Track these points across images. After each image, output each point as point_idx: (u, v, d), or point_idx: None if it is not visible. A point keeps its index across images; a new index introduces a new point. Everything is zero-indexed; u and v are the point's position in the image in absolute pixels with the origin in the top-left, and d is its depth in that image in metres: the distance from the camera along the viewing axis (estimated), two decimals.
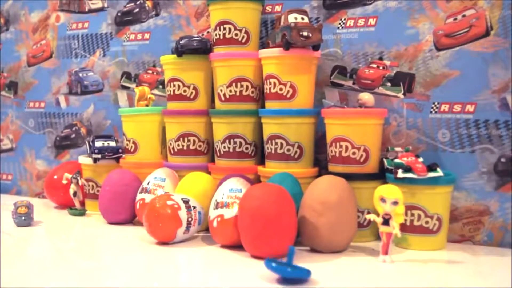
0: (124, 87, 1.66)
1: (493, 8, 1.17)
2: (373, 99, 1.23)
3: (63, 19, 1.77)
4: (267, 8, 1.43)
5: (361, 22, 1.31)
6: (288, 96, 1.26)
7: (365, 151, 1.19)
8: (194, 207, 1.17)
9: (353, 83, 1.32)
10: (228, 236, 1.11)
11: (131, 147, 1.47)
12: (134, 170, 1.42)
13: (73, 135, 1.75)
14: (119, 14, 1.66)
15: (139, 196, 1.31)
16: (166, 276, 0.97)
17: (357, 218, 1.16)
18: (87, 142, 1.53)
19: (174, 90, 1.40)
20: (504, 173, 1.17)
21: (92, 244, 1.22)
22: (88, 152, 1.51)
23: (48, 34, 1.79)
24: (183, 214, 1.15)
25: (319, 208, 1.08)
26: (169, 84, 1.41)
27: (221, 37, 1.35)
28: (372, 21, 1.30)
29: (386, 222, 1.03)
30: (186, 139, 1.38)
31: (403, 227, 1.11)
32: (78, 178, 1.47)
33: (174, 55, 1.39)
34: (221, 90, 1.34)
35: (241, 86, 1.33)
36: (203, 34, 1.51)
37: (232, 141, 1.32)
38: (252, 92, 1.34)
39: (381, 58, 1.29)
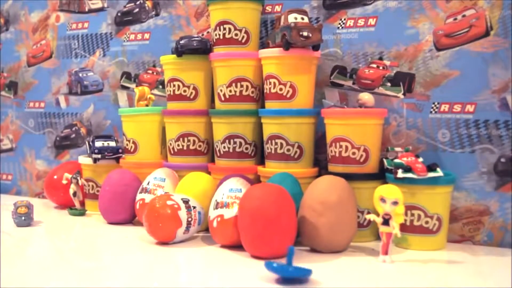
0: (124, 87, 1.66)
1: (493, 8, 1.17)
2: (373, 99, 1.23)
3: (63, 19, 1.77)
4: (267, 8, 1.43)
5: (361, 22, 1.31)
6: (288, 96, 1.26)
7: (365, 151, 1.19)
8: (194, 207, 1.17)
9: (353, 83, 1.32)
10: (228, 236, 1.11)
11: (131, 147, 1.47)
12: (134, 170, 1.42)
13: (73, 135, 1.75)
14: (119, 14, 1.66)
15: (139, 196, 1.31)
16: (166, 276, 0.97)
17: (357, 218, 1.16)
18: (87, 142, 1.53)
19: (174, 90, 1.40)
20: (504, 173, 1.17)
21: (92, 244, 1.22)
22: (88, 152, 1.51)
23: (48, 34, 1.79)
24: (183, 214, 1.15)
25: (319, 208, 1.08)
26: (169, 84, 1.41)
27: (221, 37, 1.35)
28: (372, 21, 1.30)
29: (386, 222, 1.03)
30: (186, 139, 1.38)
31: (403, 227, 1.11)
32: (78, 178, 1.47)
33: (174, 55, 1.39)
34: (221, 90, 1.34)
35: (241, 86, 1.33)
36: (203, 34, 1.51)
37: (232, 141, 1.32)
38: (252, 92, 1.34)
39: (381, 58, 1.29)
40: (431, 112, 1.23)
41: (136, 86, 1.62)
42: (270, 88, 1.28)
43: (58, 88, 1.78)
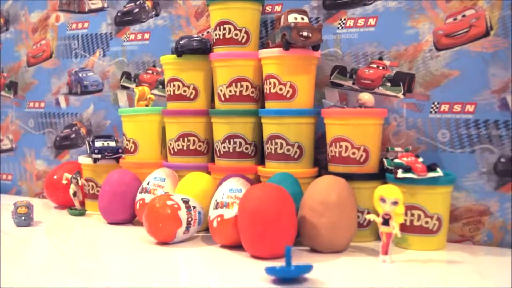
0: (124, 87, 1.66)
1: (493, 8, 1.17)
2: (373, 99, 1.23)
3: (63, 19, 1.77)
4: (267, 8, 1.43)
5: (361, 22, 1.31)
6: (288, 96, 1.26)
7: (365, 151, 1.19)
8: (194, 207, 1.17)
9: (353, 83, 1.32)
10: (228, 236, 1.11)
11: (131, 147, 1.47)
12: (134, 170, 1.42)
13: (73, 135, 1.75)
14: (119, 14, 1.66)
15: (139, 196, 1.31)
16: (166, 276, 0.97)
17: (357, 218, 1.16)
18: (87, 142, 1.53)
19: (174, 90, 1.40)
20: (504, 173, 1.17)
21: (92, 244, 1.22)
22: (88, 152, 1.51)
23: (48, 34, 1.79)
24: (183, 214, 1.15)
25: (319, 208, 1.08)
26: (169, 84, 1.41)
27: (221, 37, 1.35)
28: (372, 21, 1.30)
29: (386, 222, 1.03)
30: (186, 139, 1.38)
31: (403, 227, 1.11)
32: (78, 178, 1.47)
33: (174, 55, 1.39)
34: (221, 90, 1.34)
35: (241, 86, 1.33)
36: (203, 34, 1.51)
37: (232, 141, 1.32)
38: (252, 92, 1.34)
39: (381, 58, 1.29)
40: (431, 112, 1.24)
41: (136, 86, 1.62)
42: (270, 88, 1.28)
43: (58, 88, 1.78)
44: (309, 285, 0.90)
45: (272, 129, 1.27)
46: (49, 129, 1.80)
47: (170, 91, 1.41)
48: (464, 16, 1.20)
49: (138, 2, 1.63)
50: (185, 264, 1.06)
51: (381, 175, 1.19)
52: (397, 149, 1.22)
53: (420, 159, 1.15)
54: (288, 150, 1.26)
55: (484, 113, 1.18)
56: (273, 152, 1.27)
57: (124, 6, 1.65)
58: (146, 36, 1.61)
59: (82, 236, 1.31)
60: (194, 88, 1.39)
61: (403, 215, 1.05)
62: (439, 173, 1.11)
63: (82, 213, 1.48)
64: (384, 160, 1.19)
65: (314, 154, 1.30)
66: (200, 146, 1.39)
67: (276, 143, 1.26)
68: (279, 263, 0.94)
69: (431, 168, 1.12)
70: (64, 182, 1.49)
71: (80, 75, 1.73)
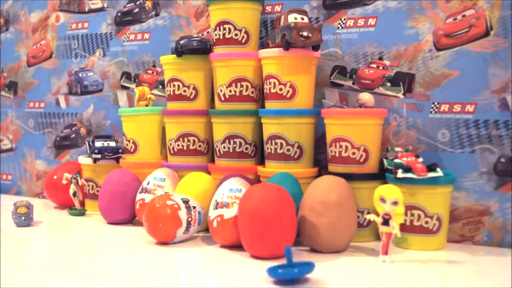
0: (124, 87, 1.66)
1: (493, 8, 1.17)
2: (373, 99, 1.23)
3: (63, 19, 1.77)
4: (267, 8, 1.43)
5: (361, 22, 1.31)
6: (288, 96, 1.26)
7: (365, 151, 1.19)
8: (194, 207, 1.17)
9: (353, 83, 1.32)
10: (228, 236, 1.11)
11: (131, 147, 1.47)
12: (134, 170, 1.42)
13: (73, 135, 1.75)
14: (119, 14, 1.66)
15: (139, 196, 1.31)
16: (166, 276, 0.97)
17: (357, 218, 1.16)
18: (87, 142, 1.53)
19: (174, 90, 1.40)
20: (504, 173, 1.17)
21: (92, 244, 1.22)
22: (88, 152, 1.51)
23: (48, 34, 1.79)
24: (183, 214, 1.15)
25: (319, 208, 1.08)
26: (169, 84, 1.41)
27: (221, 37, 1.35)
28: (372, 21, 1.30)
29: (386, 222, 1.03)
30: (186, 139, 1.38)
31: (403, 227, 1.11)
32: (78, 178, 1.47)
33: (174, 55, 1.39)
34: (221, 90, 1.34)
35: (241, 86, 1.33)
36: (203, 34, 1.51)
37: (232, 141, 1.32)
38: (252, 92, 1.34)
39: (381, 58, 1.29)
40: (431, 112, 1.24)
41: (136, 86, 1.62)
42: (270, 88, 1.28)
43: (58, 88, 1.78)
44: (309, 285, 0.90)
45: (272, 129, 1.27)
46: (49, 129, 1.80)
47: (170, 91, 1.41)
48: (464, 16, 1.20)
49: (138, 2, 1.63)
50: (185, 264, 1.06)
51: (381, 175, 1.19)
52: (397, 149, 1.22)
53: (420, 159, 1.15)
54: (288, 150, 1.26)
55: (484, 113, 1.18)
56: (273, 152, 1.27)
57: (124, 6, 1.65)
58: (146, 36, 1.61)
59: (82, 236, 1.31)
60: (194, 88, 1.39)
61: (403, 215, 1.04)
62: (439, 173, 1.11)
63: (82, 213, 1.48)
64: (384, 160, 1.19)
65: (314, 154, 1.30)
66: (200, 146, 1.39)
67: (276, 143, 1.26)
68: (280, 263, 0.94)
69: (431, 168, 1.12)
70: (64, 182, 1.49)
71: (80, 75, 1.73)
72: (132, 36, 1.63)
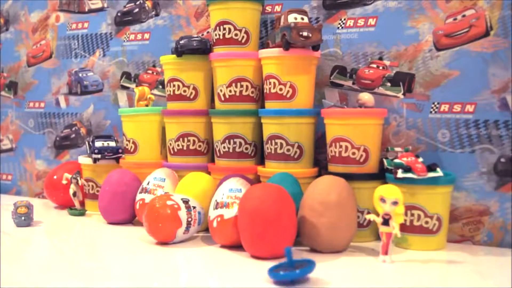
0: (124, 87, 1.66)
1: (493, 8, 1.17)
2: (373, 99, 1.23)
3: (63, 19, 1.77)
4: (267, 8, 1.43)
5: (361, 22, 1.31)
6: (288, 96, 1.26)
7: (365, 151, 1.19)
8: (194, 207, 1.17)
9: (353, 83, 1.32)
10: (228, 236, 1.11)
11: (131, 147, 1.47)
12: (134, 170, 1.42)
13: (73, 135, 1.75)
14: (119, 14, 1.66)
15: (139, 196, 1.31)
16: (166, 276, 0.97)
17: (357, 218, 1.16)
18: (87, 142, 1.53)
19: (174, 90, 1.40)
20: (504, 173, 1.17)
21: (92, 244, 1.22)
22: (88, 152, 1.51)
23: (48, 34, 1.79)
24: (183, 214, 1.15)
25: (319, 208, 1.08)
26: (169, 84, 1.41)
27: (221, 37, 1.35)
28: (372, 21, 1.30)
29: (386, 222, 1.03)
30: (186, 139, 1.38)
31: (403, 227, 1.11)
32: (78, 178, 1.47)
33: (174, 55, 1.39)
34: (221, 90, 1.34)
35: (241, 86, 1.33)
36: (203, 34, 1.51)
37: (232, 141, 1.32)
38: (252, 92, 1.34)
39: (381, 58, 1.29)
40: (431, 112, 1.23)
41: (136, 86, 1.62)
42: (270, 88, 1.28)
43: (58, 88, 1.78)
44: (309, 285, 0.90)
45: (272, 129, 1.27)
46: (49, 129, 1.80)
47: (170, 91, 1.41)
48: (464, 16, 1.20)
49: (138, 2, 1.63)
50: (185, 264, 1.06)
51: (381, 175, 1.19)
52: (397, 149, 1.22)
53: (420, 159, 1.15)
54: (288, 150, 1.26)
55: (484, 113, 1.18)
56: (273, 152, 1.27)
57: (124, 6, 1.65)
58: (146, 36, 1.61)
59: (82, 236, 1.31)
60: (194, 88, 1.39)
61: (403, 215, 1.04)
62: (439, 173, 1.11)
63: (82, 213, 1.48)
64: (384, 160, 1.19)
65: (314, 154, 1.30)
66: (200, 146, 1.39)
67: (276, 143, 1.26)
68: (281, 261, 0.95)
69: (431, 168, 1.12)
70: (64, 182, 1.49)
71: (80, 75, 1.73)
72: (132, 36, 1.63)
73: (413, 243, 1.13)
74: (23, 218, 1.34)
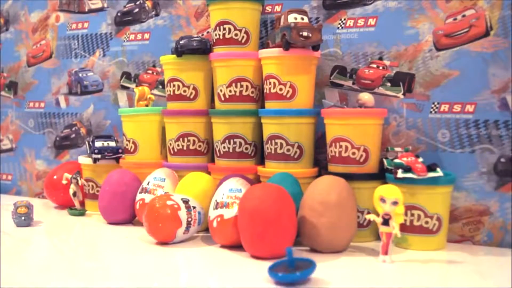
0: (124, 87, 1.66)
1: (493, 8, 1.17)
2: (373, 99, 1.23)
3: (63, 19, 1.77)
4: (267, 8, 1.43)
5: (361, 22, 1.31)
6: (288, 96, 1.26)
7: (365, 151, 1.19)
8: (194, 207, 1.17)
9: (353, 83, 1.32)
10: (228, 236, 1.11)
11: (131, 147, 1.47)
12: (134, 170, 1.42)
13: (73, 135, 1.75)
14: (119, 14, 1.66)
15: (139, 196, 1.31)
16: (166, 276, 0.97)
17: (357, 218, 1.16)
18: (87, 142, 1.53)
19: (174, 90, 1.40)
20: (504, 173, 1.17)
21: (92, 244, 1.22)
22: (88, 152, 1.51)
23: (48, 34, 1.79)
24: (183, 214, 1.15)
25: (319, 208, 1.08)
26: (169, 84, 1.41)
27: (221, 37, 1.35)
28: (372, 21, 1.30)
29: (386, 222, 1.03)
30: (186, 139, 1.38)
31: (403, 227, 1.11)
32: (78, 178, 1.47)
33: (174, 55, 1.39)
34: (221, 90, 1.34)
35: (241, 86, 1.33)
36: (203, 34, 1.51)
37: (232, 141, 1.32)
38: (252, 92, 1.34)
39: (381, 58, 1.29)
40: (431, 112, 1.23)
41: (136, 86, 1.62)
42: (270, 88, 1.28)
43: (58, 88, 1.78)
44: (309, 285, 0.90)
45: (272, 129, 1.27)
46: (49, 129, 1.80)
47: (170, 91, 1.41)
48: (464, 16, 1.20)
49: (138, 2, 1.63)
50: (185, 264, 1.06)
51: (381, 175, 1.19)
52: (397, 149, 1.22)
53: (420, 159, 1.15)
54: (288, 150, 1.26)
55: (484, 113, 1.18)
56: (273, 152, 1.27)
57: (124, 6, 1.65)
58: (146, 36, 1.61)
59: (82, 236, 1.31)
60: (194, 88, 1.39)
61: (403, 215, 1.04)
62: (439, 173, 1.11)
63: (82, 213, 1.48)
64: (384, 160, 1.19)
65: (314, 154, 1.30)
66: (200, 146, 1.39)
67: (276, 143, 1.26)
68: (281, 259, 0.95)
69: (431, 168, 1.12)
70: (64, 182, 1.49)
71: (80, 75, 1.73)
72: (132, 36, 1.63)
73: (413, 243, 1.13)
74: (23, 218, 1.34)
